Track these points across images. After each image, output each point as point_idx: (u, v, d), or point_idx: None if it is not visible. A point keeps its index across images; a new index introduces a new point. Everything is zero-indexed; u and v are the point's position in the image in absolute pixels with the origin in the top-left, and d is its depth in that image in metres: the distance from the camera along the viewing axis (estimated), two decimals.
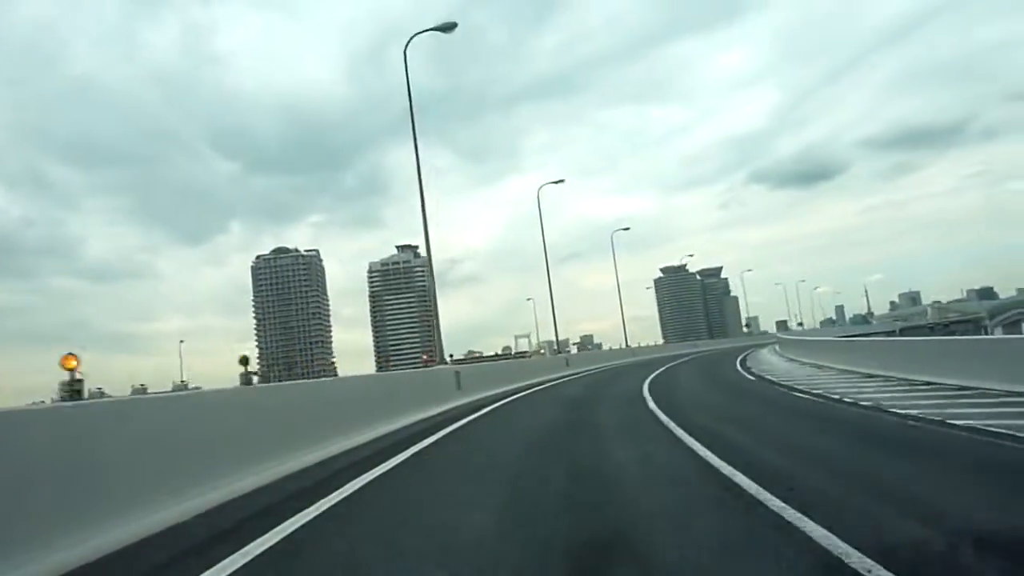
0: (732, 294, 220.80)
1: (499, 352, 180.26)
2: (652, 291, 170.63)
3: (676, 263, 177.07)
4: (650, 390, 14.83)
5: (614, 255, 51.30)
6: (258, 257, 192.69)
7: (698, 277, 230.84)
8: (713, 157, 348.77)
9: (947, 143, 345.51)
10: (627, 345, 49.48)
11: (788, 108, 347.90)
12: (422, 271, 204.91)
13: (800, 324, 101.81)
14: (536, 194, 39.74)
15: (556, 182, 40.42)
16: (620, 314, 66.21)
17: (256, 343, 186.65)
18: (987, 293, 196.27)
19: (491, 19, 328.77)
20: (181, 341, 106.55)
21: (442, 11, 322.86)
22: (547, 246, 37.12)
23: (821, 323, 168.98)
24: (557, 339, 41.62)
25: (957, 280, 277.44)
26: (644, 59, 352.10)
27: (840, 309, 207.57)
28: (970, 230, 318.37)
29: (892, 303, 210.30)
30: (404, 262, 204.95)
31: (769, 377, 17.07)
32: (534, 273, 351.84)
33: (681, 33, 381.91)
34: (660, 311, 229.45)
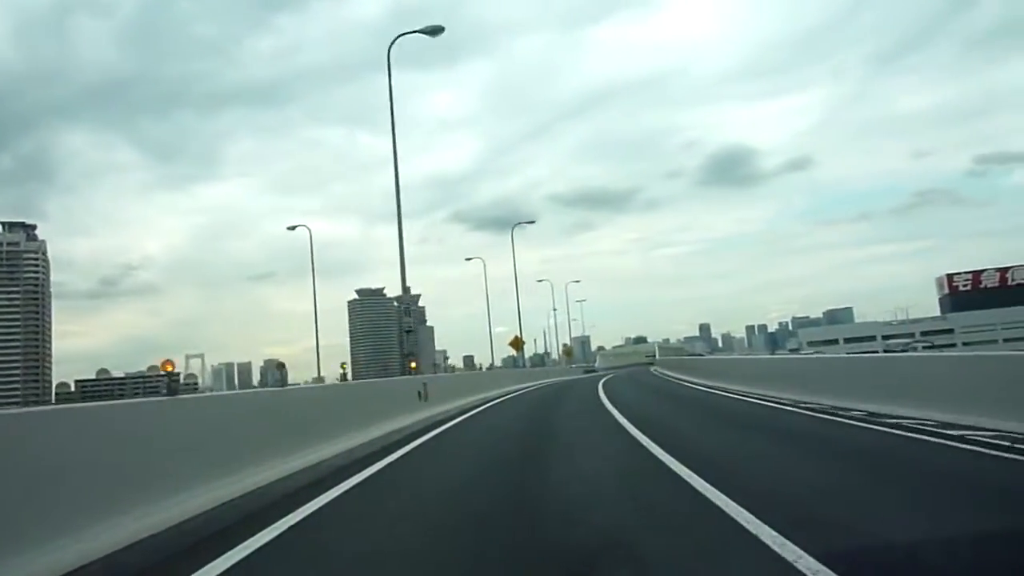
0: (428, 323, 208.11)
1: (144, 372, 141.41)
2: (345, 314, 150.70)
3: (375, 286, 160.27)
4: None
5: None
6: None
7: (395, 303, 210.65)
8: (418, 192, 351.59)
9: (617, 209, 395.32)
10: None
11: (490, 157, 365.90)
12: (36, 259, 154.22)
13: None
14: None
15: None
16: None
17: None
18: (641, 340, 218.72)
19: (203, 11, 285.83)
20: None
21: None
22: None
23: (503, 360, 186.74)
24: None
25: (619, 329, 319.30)
26: (359, 83, 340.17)
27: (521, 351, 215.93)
28: (630, 286, 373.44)
29: (564, 345, 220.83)
30: (10, 244, 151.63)
31: None
32: (224, 289, 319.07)
33: (398, 66, 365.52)
34: (352, 337, 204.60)
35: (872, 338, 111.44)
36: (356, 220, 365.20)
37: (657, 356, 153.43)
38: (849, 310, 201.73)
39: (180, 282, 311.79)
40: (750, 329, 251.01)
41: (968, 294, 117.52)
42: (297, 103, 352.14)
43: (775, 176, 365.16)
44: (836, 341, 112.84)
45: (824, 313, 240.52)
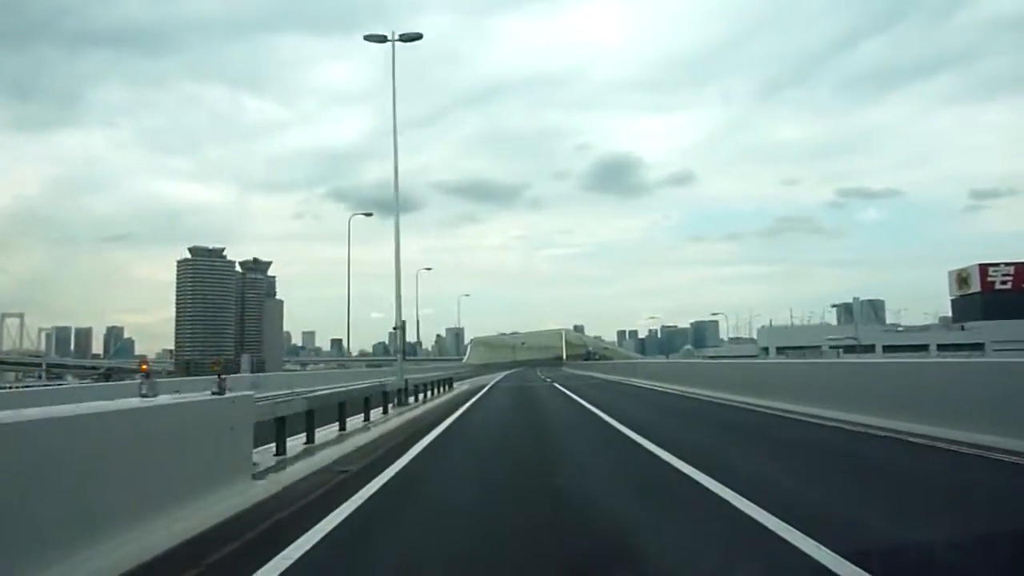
0: (278, 297, 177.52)
1: None
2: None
3: (212, 245, 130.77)
4: None
5: None
6: None
7: (238, 268, 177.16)
8: (298, 164, 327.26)
9: (504, 204, 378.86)
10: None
11: (380, 136, 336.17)
12: None
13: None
14: None
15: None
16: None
17: None
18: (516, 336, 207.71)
19: None
20: None
21: None
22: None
23: (373, 347, 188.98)
24: None
25: (494, 324, 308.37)
26: (250, 43, 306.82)
27: (393, 335, 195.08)
28: (509, 283, 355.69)
29: (438, 336, 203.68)
30: None
31: None
32: (76, 247, 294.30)
33: (293, 28, 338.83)
34: (179, 310, 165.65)
35: (871, 347, 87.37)
36: (230, 188, 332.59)
37: (565, 354, 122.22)
38: (715, 323, 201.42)
39: (26, 235, 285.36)
40: (621, 334, 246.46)
41: (1007, 294, 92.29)
42: (178, 54, 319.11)
43: (658, 188, 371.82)
44: (818, 348, 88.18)
45: (691, 324, 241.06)
